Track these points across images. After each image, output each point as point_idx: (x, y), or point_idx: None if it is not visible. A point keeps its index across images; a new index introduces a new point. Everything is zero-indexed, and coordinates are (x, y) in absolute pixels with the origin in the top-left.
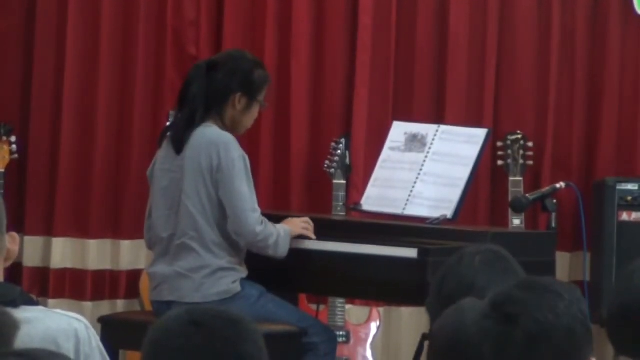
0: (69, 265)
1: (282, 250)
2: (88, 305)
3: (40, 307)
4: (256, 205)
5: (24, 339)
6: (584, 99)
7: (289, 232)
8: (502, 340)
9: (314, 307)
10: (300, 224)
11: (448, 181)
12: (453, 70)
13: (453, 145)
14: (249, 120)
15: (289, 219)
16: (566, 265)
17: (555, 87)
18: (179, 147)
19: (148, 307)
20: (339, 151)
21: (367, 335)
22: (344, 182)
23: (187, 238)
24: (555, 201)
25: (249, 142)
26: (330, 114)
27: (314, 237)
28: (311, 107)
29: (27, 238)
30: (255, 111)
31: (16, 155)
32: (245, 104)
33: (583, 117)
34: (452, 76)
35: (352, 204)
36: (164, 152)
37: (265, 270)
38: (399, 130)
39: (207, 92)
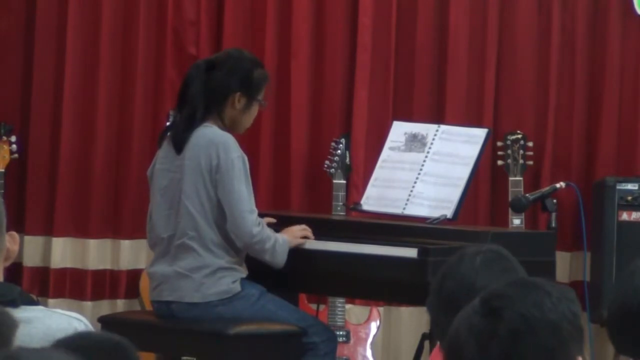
0: (69, 265)
1: (280, 258)
2: (88, 305)
3: (40, 307)
4: (254, 207)
5: (24, 339)
6: (584, 99)
7: (287, 241)
8: (486, 334)
9: (314, 307)
10: (298, 233)
11: (448, 181)
12: (453, 70)
13: (453, 145)
14: (248, 119)
15: (287, 229)
16: (566, 265)
17: (555, 87)
18: (179, 147)
19: (148, 307)
20: (339, 151)
21: (367, 335)
22: (344, 182)
23: (187, 238)
24: (555, 201)
25: (249, 142)
26: (330, 114)
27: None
28: (311, 107)
29: (27, 238)
30: (254, 111)
31: (16, 155)
32: (245, 103)
33: (583, 117)
34: (452, 76)
35: (352, 204)
36: (164, 152)
37: (265, 270)
38: (399, 130)
39: (206, 92)
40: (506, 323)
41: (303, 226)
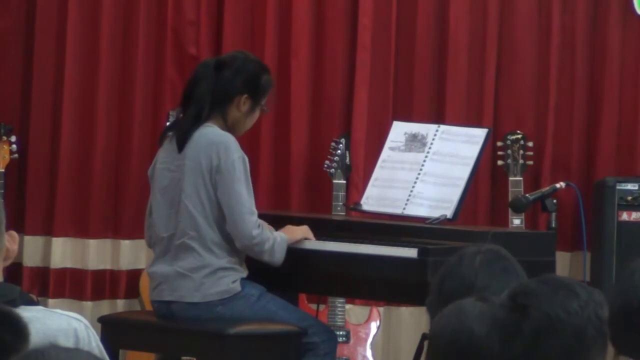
0: (69, 265)
1: (278, 257)
2: (88, 305)
3: (39, 307)
4: (254, 208)
5: None
6: (584, 99)
7: (286, 239)
8: (510, 329)
9: (314, 307)
10: (299, 233)
11: (448, 181)
12: (453, 70)
13: (453, 145)
14: (249, 122)
15: (288, 227)
16: (566, 265)
17: (555, 87)
18: (183, 145)
19: (148, 307)
20: (339, 151)
21: (367, 335)
22: (344, 182)
23: (187, 238)
24: (555, 201)
25: (249, 142)
26: (330, 114)
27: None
28: (311, 107)
29: (27, 238)
30: (256, 114)
31: (16, 155)
32: (250, 106)
33: (583, 117)
34: (452, 76)
35: (352, 204)
36: (165, 151)
37: (265, 270)
38: (399, 130)
39: (214, 91)
40: (531, 321)
41: (305, 227)
